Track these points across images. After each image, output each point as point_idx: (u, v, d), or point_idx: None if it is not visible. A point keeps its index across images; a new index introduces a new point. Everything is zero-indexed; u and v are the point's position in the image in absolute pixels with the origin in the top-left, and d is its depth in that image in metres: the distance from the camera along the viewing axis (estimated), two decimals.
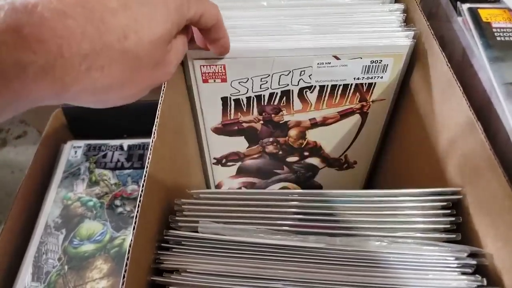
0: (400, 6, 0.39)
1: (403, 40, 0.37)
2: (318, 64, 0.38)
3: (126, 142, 0.64)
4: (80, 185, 0.59)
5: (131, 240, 0.24)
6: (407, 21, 0.39)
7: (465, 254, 0.26)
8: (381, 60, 0.38)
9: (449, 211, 0.28)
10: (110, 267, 0.51)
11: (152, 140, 0.29)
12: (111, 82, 0.21)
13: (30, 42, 0.17)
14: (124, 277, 0.22)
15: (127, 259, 0.23)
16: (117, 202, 0.57)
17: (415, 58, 0.38)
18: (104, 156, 0.63)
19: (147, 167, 0.27)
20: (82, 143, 0.64)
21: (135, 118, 0.56)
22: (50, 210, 0.57)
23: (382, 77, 0.39)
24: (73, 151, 0.63)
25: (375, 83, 0.40)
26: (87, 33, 0.19)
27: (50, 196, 0.58)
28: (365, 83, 0.40)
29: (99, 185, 0.60)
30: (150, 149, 0.29)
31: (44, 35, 0.17)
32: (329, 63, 0.38)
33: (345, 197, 0.29)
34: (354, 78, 0.39)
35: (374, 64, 0.38)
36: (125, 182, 0.60)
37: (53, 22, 0.18)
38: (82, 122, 0.65)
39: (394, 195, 0.29)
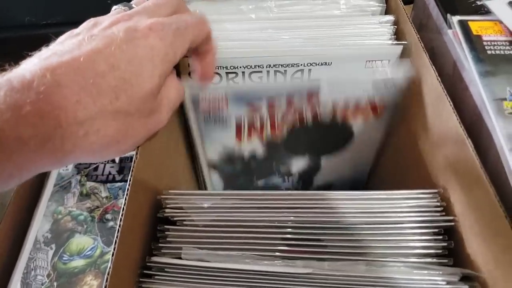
0: (390, 18, 0.38)
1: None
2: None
3: None
4: (71, 199, 0.58)
5: (109, 268, 0.23)
6: (398, 33, 0.38)
7: (457, 278, 0.25)
8: None
9: (441, 237, 0.27)
10: (100, 283, 0.50)
11: (134, 161, 0.28)
12: (107, 142, 0.22)
13: (29, 119, 0.18)
14: None
15: (105, 287, 0.23)
16: (108, 216, 0.56)
17: None
18: (96, 168, 0.62)
19: (128, 189, 0.27)
20: None
21: None
22: (40, 225, 0.56)
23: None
24: None
25: None
26: (82, 101, 0.20)
27: (40, 210, 0.57)
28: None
29: (90, 199, 0.59)
30: (132, 170, 0.28)
31: (42, 110, 0.19)
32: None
33: (335, 223, 0.28)
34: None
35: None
36: (116, 195, 0.59)
37: (49, 96, 0.19)
38: None
39: (384, 223, 0.28)
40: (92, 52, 0.21)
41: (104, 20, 0.24)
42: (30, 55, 0.22)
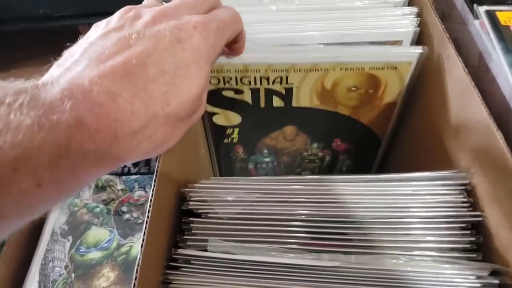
0: (413, 9, 0.38)
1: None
2: None
3: None
4: (87, 191, 0.59)
5: (139, 259, 0.23)
6: (421, 25, 0.37)
7: (487, 273, 0.25)
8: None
9: (468, 231, 0.27)
10: (117, 275, 0.51)
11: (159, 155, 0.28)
12: (155, 146, 0.22)
13: (92, 134, 0.18)
14: None
15: (135, 279, 0.23)
16: (124, 209, 0.57)
17: (428, 62, 0.37)
18: None
19: (154, 181, 0.27)
20: None
21: None
22: (56, 217, 0.56)
23: None
24: None
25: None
26: (136, 110, 0.20)
27: None
28: None
29: (106, 191, 0.59)
30: (158, 162, 0.28)
31: (102, 122, 0.19)
32: None
33: (360, 217, 0.28)
34: None
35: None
36: (131, 188, 0.59)
37: (107, 107, 0.19)
38: None
39: (410, 217, 0.28)
40: (142, 54, 0.21)
41: (144, 12, 0.23)
42: (70, 45, 0.21)
